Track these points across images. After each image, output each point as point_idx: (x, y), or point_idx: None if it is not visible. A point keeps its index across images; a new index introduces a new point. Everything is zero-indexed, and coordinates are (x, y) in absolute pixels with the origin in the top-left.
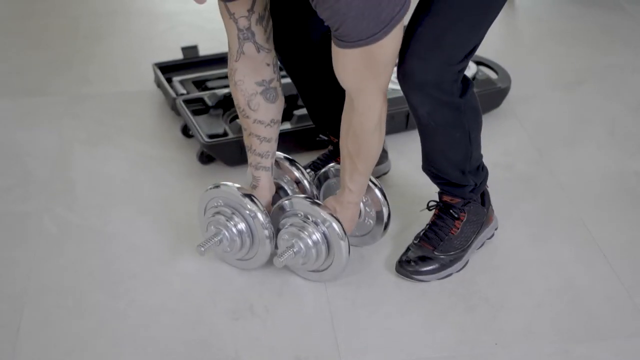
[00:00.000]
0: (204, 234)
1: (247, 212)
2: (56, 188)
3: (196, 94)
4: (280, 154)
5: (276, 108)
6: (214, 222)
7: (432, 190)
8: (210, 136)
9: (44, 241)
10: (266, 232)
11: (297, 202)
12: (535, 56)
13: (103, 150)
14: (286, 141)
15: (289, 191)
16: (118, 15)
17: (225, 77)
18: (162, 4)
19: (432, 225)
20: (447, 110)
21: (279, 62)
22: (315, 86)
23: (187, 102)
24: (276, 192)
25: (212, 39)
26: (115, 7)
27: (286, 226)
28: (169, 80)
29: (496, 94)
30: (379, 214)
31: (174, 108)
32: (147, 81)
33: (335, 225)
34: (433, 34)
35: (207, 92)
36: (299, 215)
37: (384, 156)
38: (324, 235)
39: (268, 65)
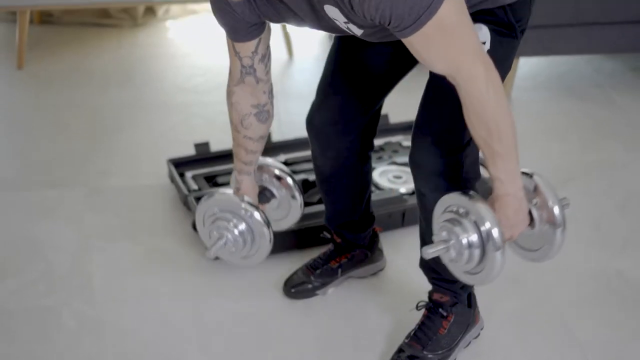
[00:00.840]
0: (208, 242)
1: (243, 212)
2: (75, 282)
3: (207, 191)
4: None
5: (266, 127)
6: (215, 228)
7: (427, 289)
8: None
9: (63, 336)
10: (264, 228)
11: (456, 197)
12: (530, 152)
13: (119, 245)
14: (286, 239)
15: (273, 190)
16: (135, 107)
17: None
18: (176, 95)
19: (421, 325)
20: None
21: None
22: (339, 180)
23: (198, 199)
24: (261, 192)
25: (223, 131)
26: (132, 99)
27: (443, 218)
28: (182, 175)
29: (488, 190)
30: (552, 221)
31: (186, 204)
32: (162, 174)
33: (495, 231)
34: (439, 126)
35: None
36: (455, 209)
37: (379, 254)
38: (481, 237)
39: (264, 92)
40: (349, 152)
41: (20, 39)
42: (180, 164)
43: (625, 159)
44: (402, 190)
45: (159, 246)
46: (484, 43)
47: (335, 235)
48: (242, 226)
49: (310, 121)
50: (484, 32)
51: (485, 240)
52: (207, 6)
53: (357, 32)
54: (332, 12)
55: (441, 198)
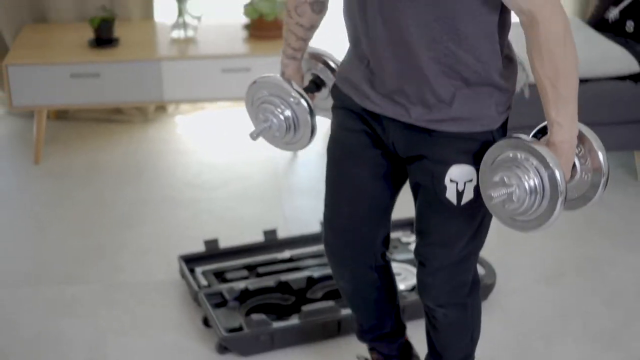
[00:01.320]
0: (253, 122)
1: (292, 99)
2: None
3: (216, 287)
4: (311, 48)
5: (318, 18)
6: (262, 111)
7: None
8: (228, 330)
9: None
10: (309, 117)
11: (512, 141)
12: (522, 249)
13: (133, 340)
14: (294, 335)
15: (325, 79)
16: (145, 202)
17: (242, 268)
18: (185, 191)
19: None
20: (455, 309)
21: None
22: (362, 296)
23: (208, 295)
24: (313, 80)
25: (232, 227)
26: (143, 195)
27: (499, 163)
28: (192, 271)
29: (483, 289)
30: (597, 168)
31: (197, 300)
32: (173, 270)
33: (557, 172)
34: (440, 239)
35: (226, 285)
36: (512, 155)
37: None
38: (542, 182)
39: None
40: (367, 268)
41: (38, 136)
42: (191, 260)
43: (611, 255)
44: (402, 287)
45: (170, 342)
46: (471, 181)
47: (371, 353)
48: (288, 112)
49: (325, 239)
50: (467, 171)
51: (549, 185)
52: (215, 102)
53: None
54: None
55: (491, 148)
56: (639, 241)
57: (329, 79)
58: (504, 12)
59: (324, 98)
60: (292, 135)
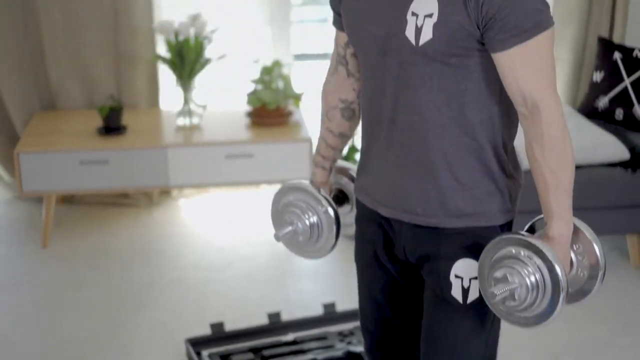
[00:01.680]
0: (276, 225)
1: (320, 207)
2: None
3: None
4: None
5: (348, 125)
6: (288, 214)
7: None
8: None
9: None
10: (334, 226)
11: (512, 238)
12: (518, 332)
13: None
14: None
15: (349, 194)
16: (152, 285)
17: (248, 351)
18: (191, 273)
19: None
20: None
21: None
22: None
23: None
24: (337, 194)
25: (237, 309)
26: (150, 277)
27: (499, 260)
28: (199, 354)
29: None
30: (594, 264)
31: None
32: (180, 352)
33: (558, 268)
34: (447, 347)
35: None
36: (513, 251)
37: None
38: (543, 278)
39: (354, 90)
40: None
41: (46, 221)
42: (197, 343)
43: (609, 338)
44: None
45: None
46: (476, 278)
47: None
48: (315, 219)
49: (364, 347)
50: (472, 266)
51: (550, 281)
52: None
53: (426, 36)
54: (422, 3)
55: (488, 244)
56: (634, 323)
57: (353, 194)
58: (506, 108)
59: (347, 213)
60: (314, 242)
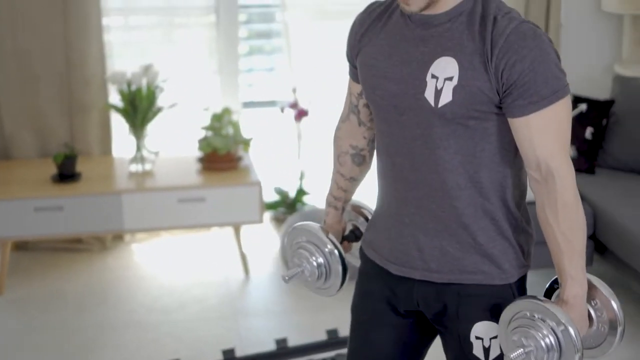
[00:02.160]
0: (288, 265)
1: (327, 249)
2: None
3: None
4: (355, 201)
5: (359, 170)
6: (297, 255)
7: None
8: None
9: None
10: (340, 267)
11: (526, 302)
12: None
13: None
14: None
15: (362, 229)
16: (108, 327)
17: None
18: (146, 315)
19: None
20: None
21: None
22: None
23: None
24: (352, 231)
25: (192, 348)
26: (105, 320)
27: (515, 324)
28: None
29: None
30: (613, 319)
31: None
32: None
33: (571, 330)
34: None
35: None
36: (529, 314)
37: None
38: (558, 340)
39: (364, 138)
40: None
41: (2, 268)
42: None
43: None
44: None
45: None
46: (496, 337)
47: None
48: (322, 260)
49: None
50: (491, 328)
51: (564, 342)
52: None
53: (445, 99)
54: (443, 65)
55: (507, 308)
56: None
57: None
58: (519, 170)
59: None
60: (322, 282)
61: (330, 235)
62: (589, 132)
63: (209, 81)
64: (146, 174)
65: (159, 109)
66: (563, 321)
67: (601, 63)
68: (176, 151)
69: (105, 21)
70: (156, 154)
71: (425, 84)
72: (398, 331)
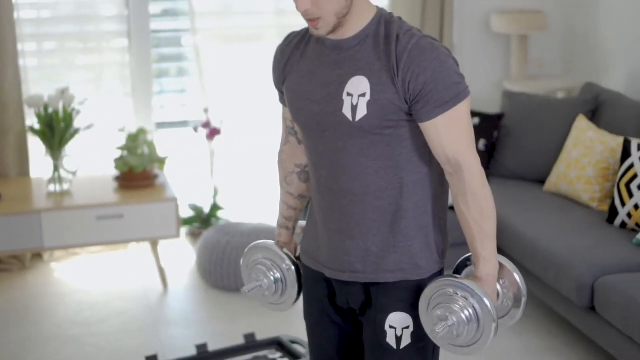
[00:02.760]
0: (246, 280)
1: (284, 265)
2: None
3: None
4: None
5: (305, 187)
6: (255, 271)
7: None
8: None
9: None
10: (297, 283)
11: (446, 280)
12: None
13: None
14: None
15: None
16: (31, 342)
17: None
18: (69, 329)
19: None
20: None
21: None
22: None
23: None
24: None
25: (115, 357)
26: (29, 336)
27: (437, 300)
28: None
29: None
30: (517, 295)
31: None
32: None
33: (487, 302)
34: None
35: None
36: (449, 291)
37: None
38: (476, 312)
39: (306, 155)
40: None
41: None
42: None
43: None
44: None
45: None
46: (407, 327)
47: None
48: (279, 275)
49: None
50: (403, 319)
51: (482, 314)
52: (87, 248)
53: (361, 113)
54: (356, 84)
55: (427, 287)
56: None
57: None
58: (436, 169)
59: None
60: (279, 296)
61: (286, 251)
62: (482, 144)
63: (124, 103)
64: (65, 194)
65: (76, 131)
66: (480, 294)
67: (491, 80)
68: (93, 171)
69: (20, 47)
70: (74, 173)
71: (342, 102)
72: (342, 330)
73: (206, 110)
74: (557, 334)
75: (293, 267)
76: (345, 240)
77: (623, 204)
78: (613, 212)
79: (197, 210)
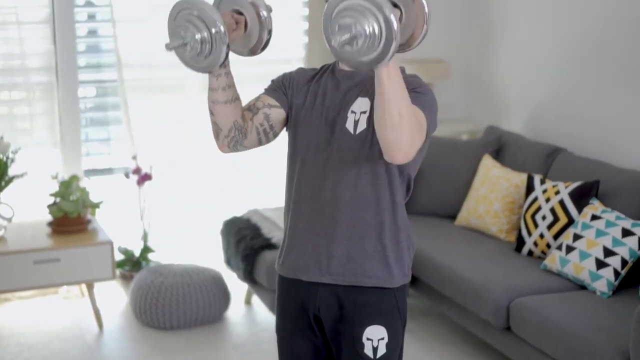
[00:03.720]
0: (170, 36)
1: (214, 30)
2: None
3: None
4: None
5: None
6: (183, 28)
7: None
8: None
9: None
10: (224, 47)
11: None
12: None
13: None
14: None
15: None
16: None
17: None
18: None
19: None
20: None
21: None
22: None
23: None
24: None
25: None
26: None
27: (345, 10)
28: None
29: None
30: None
31: None
32: None
33: (394, 22)
34: None
35: None
36: (360, 3)
37: None
38: (381, 29)
39: (245, 120)
40: None
41: None
42: None
43: None
44: None
45: None
46: (383, 339)
47: None
48: (205, 35)
49: None
50: (380, 331)
51: (386, 32)
52: (19, 293)
53: (362, 127)
54: (360, 103)
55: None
56: None
57: (254, 24)
58: (407, 190)
59: (240, 38)
60: (203, 58)
61: (219, 14)
62: None
63: (52, 152)
64: (0, 239)
65: (11, 179)
66: (387, 14)
67: None
68: (26, 217)
69: None
70: (9, 220)
71: (347, 118)
72: (314, 343)
73: (134, 157)
74: (476, 355)
75: (222, 28)
76: (330, 244)
77: (529, 233)
78: (520, 242)
79: (128, 253)
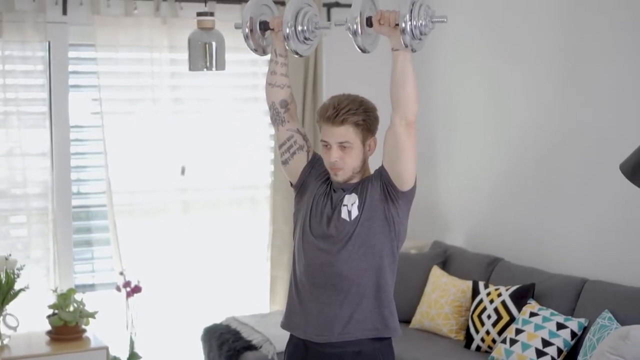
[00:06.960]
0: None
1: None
2: None
3: None
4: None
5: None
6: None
7: None
8: None
9: None
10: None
11: None
12: None
13: None
14: None
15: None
16: None
17: None
18: None
19: None
20: None
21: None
22: None
23: None
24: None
25: None
26: None
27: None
28: None
29: None
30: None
31: None
32: None
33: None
34: None
35: None
36: None
37: None
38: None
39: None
40: None
41: None
42: None
43: None
44: None
45: None
46: None
47: None
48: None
49: None
50: None
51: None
52: None
53: (354, 214)
54: (348, 198)
55: None
56: None
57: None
58: (395, 257)
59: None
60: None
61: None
62: None
63: (49, 267)
64: (4, 347)
65: (17, 292)
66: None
67: None
68: (26, 326)
69: None
70: (15, 329)
71: (341, 210)
72: None
73: (121, 273)
74: None
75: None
76: (335, 310)
77: (477, 331)
78: (469, 339)
79: None
